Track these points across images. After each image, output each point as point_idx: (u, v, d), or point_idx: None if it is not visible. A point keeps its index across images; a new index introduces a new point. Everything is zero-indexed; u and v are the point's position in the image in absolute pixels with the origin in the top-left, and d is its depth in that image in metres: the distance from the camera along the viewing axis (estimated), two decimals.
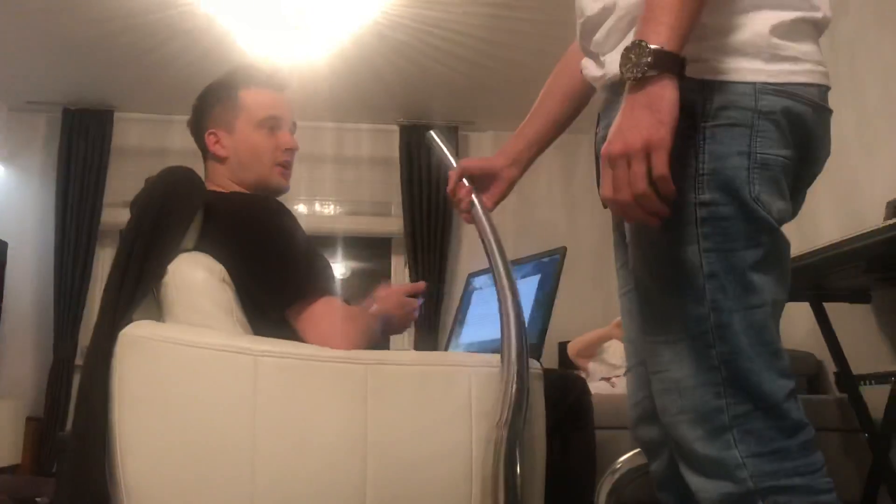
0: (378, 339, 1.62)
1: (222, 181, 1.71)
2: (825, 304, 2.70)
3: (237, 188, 1.69)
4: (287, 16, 3.91)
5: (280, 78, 1.79)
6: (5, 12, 3.98)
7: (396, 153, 5.33)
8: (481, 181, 1.46)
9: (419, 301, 1.74)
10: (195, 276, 1.47)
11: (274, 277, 1.50)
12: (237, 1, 3.84)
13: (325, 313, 1.45)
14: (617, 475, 1.21)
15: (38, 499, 3.81)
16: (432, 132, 1.52)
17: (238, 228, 1.55)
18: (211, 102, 1.75)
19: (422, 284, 1.78)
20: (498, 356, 1.49)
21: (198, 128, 1.77)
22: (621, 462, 1.27)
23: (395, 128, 5.36)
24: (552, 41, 4.23)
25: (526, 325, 1.67)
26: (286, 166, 1.73)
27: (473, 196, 1.42)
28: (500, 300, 1.33)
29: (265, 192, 1.69)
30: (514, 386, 1.32)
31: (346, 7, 3.90)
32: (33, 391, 4.89)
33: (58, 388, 4.78)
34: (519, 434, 1.30)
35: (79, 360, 4.82)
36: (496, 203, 1.48)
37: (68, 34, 4.21)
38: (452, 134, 5.38)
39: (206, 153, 1.76)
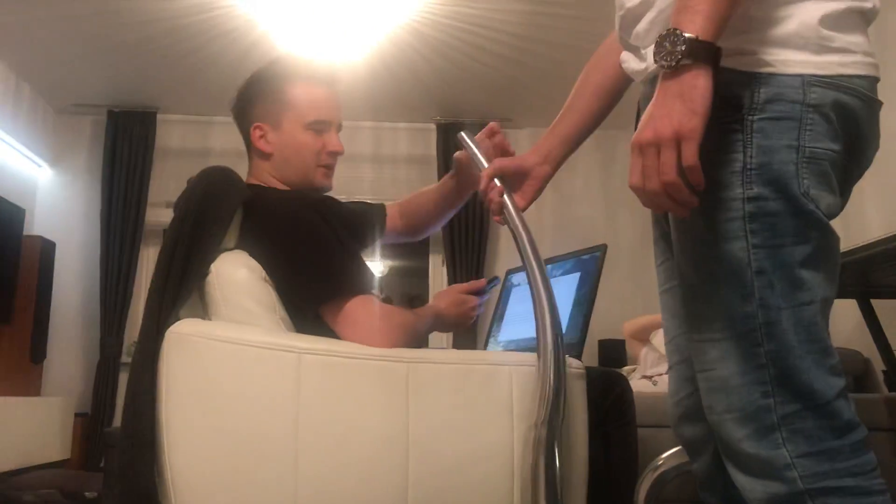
0: (423, 337, 1.61)
1: (264, 177, 1.70)
2: (872, 301, 2.65)
3: (278, 184, 1.69)
4: (325, 16, 3.94)
5: (330, 74, 1.76)
6: (51, 18, 4.07)
7: (434, 151, 5.34)
8: (514, 180, 1.45)
9: (479, 299, 1.71)
10: (237, 275, 1.49)
11: (308, 276, 1.50)
12: (276, 2, 3.87)
13: (359, 312, 1.45)
14: (657, 472, 1.20)
15: (86, 493, 3.89)
16: (463, 133, 1.51)
17: (273, 227, 1.55)
18: (258, 94, 1.72)
19: (482, 282, 1.76)
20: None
21: (242, 118, 1.74)
22: (662, 459, 1.25)
23: (433, 126, 5.37)
24: (589, 37, 4.20)
25: (565, 322, 1.67)
26: (330, 167, 1.72)
27: (505, 196, 1.41)
28: (534, 300, 1.32)
29: (307, 190, 1.69)
30: (552, 384, 1.32)
31: (383, 6, 3.92)
32: (81, 388, 4.99)
33: (105, 385, 4.88)
34: (557, 433, 1.30)
35: (125, 358, 4.92)
36: (530, 202, 1.47)
37: (112, 37, 4.29)
38: None
39: (249, 146, 1.74)
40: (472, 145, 1.48)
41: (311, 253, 1.51)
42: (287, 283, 1.51)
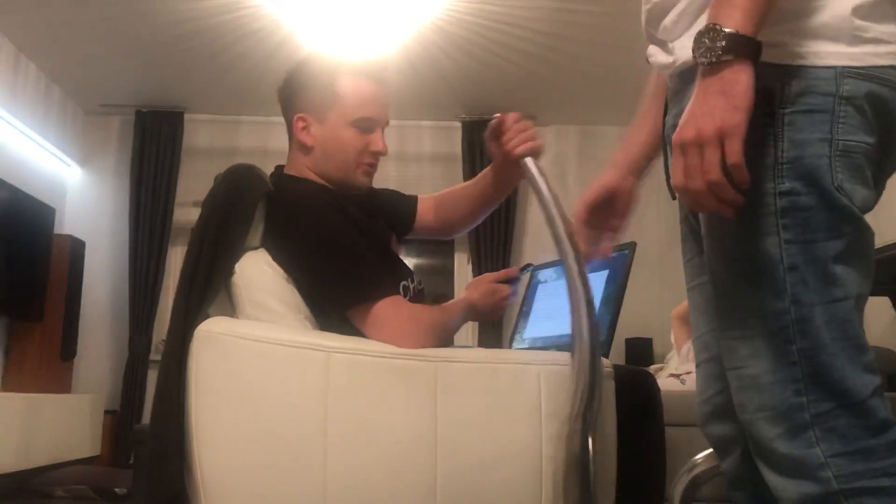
0: (454, 332, 1.59)
1: (302, 169, 1.66)
2: None
3: (315, 178, 1.65)
4: (351, 15, 3.95)
5: (382, 70, 1.68)
6: (80, 20, 4.12)
7: (458, 149, 5.34)
8: (605, 204, 1.42)
9: (511, 289, 1.67)
10: (261, 276, 1.49)
11: (333, 281, 1.49)
12: (302, 1, 3.89)
13: (387, 315, 1.43)
14: (693, 474, 1.18)
15: (116, 489, 3.94)
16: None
17: (295, 231, 1.53)
18: (305, 83, 1.65)
19: (514, 270, 1.72)
20: (567, 354, 1.48)
21: (287, 105, 1.69)
22: (700, 459, 1.23)
23: (458, 124, 5.37)
24: (614, 34, 4.19)
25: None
26: (371, 166, 1.67)
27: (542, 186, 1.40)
28: (570, 293, 1.30)
29: (344, 187, 1.65)
30: (587, 377, 1.30)
31: (408, 5, 3.92)
32: (111, 385, 5.05)
33: (134, 383, 4.93)
34: (591, 426, 1.29)
35: (153, 356, 4.98)
36: (625, 218, 1.45)
37: (140, 38, 4.33)
38: None
39: (291, 135, 1.69)
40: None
41: (336, 258, 1.49)
42: (312, 288, 1.50)
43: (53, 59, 4.61)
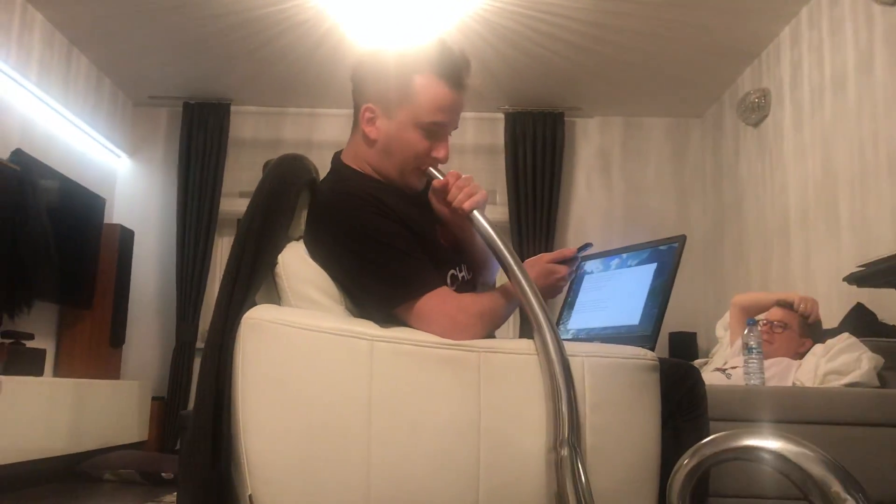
0: (507, 317, 1.56)
1: (358, 159, 1.63)
2: None
3: (369, 170, 1.62)
4: (394, 6, 3.96)
5: (464, 73, 1.58)
6: (129, 13, 4.19)
7: (501, 140, 5.33)
8: None
9: (568, 269, 1.62)
10: (303, 267, 1.49)
11: (376, 283, 1.47)
12: None
13: (434, 308, 1.43)
14: (695, 460, 1.16)
15: (163, 474, 4.01)
16: (475, 212, 1.49)
17: (327, 231, 1.51)
18: (380, 73, 1.57)
19: (571, 250, 1.65)
20: (613, 346, 1.47)
21: (359, 92, 1.61)
22: (701, 445, 1.22)
23: (500, 115, 5.35)
24: (659, 22, 4.14)
25: (639, 313, 1.65)
26: (426, 170, 1.61)
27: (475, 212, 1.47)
28: (535, 326, 1.37)
29: (398, 184, 1.61)
30: (564, 400, 1.31)
31: None
32: (158, 372, 5.16)
33: (180, 370, 5.03)
34: (580, 452, 1.30)
35: (199, 344, 5.05)
36: None
37: (187, 30, 4.39)
38: (559, 120, 5.32)
39: (356, 122, 1.62)
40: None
41: (376, 257, 1.47)
42: (355, 289, 1.50)
43: (104, 51, 4.70)
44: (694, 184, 5.47)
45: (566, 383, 1.33)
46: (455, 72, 1.56)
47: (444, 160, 1.60)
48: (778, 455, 1.09)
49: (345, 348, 1.33)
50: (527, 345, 1.40)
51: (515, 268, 1.43)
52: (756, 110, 4.49)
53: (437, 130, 1.56)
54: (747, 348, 2.52)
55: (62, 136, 4.60)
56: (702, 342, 4.87)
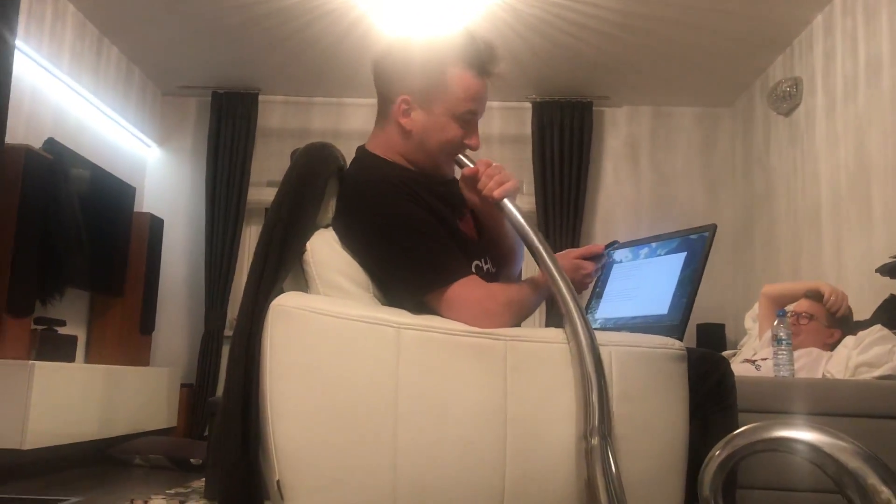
0: (535, 308, 1.56)
1: (390, 150, 1.63)
2: None
3: (400, 160, 1.63)
4: None
5: (493, 63, 1.61)
6: (158, 3, 4.22)
7: (529, 130, 5.30)
8: None
9: (595, 265, 1.65)
10: (330, 255, 1.50)
11: (403, 270, 1.48)
12: None
13: (463, 296, 1.43)
14: (727, 451, 1.15)
15: (192, 459, 4.07)
16: (505, 200, 1.50)
17: (358, 219, 1.52)
18: (415, 66, 1.58)
19: (599, 246, 1.68)
20: (639, 335, 1.47)
21: (389, 84, 1.62)
22: (734, 436, 1.20)
23: (528, 105, 5.33)
24: (689, 10, 4.09)
25: (668, 303, 1.64)
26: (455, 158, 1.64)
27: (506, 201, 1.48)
28: (567, 316, 1.36)
29: (433, 173, 1.63)
30: (595, 388, 1.31)
31: None
32: (187, 359, 5.22)
33: (208, 357, 5.08)
34: (610, 442, 1.30)
35: (228, 331, 5.10)
36: None
37: (216, 21, 4.41)
38: (587, 109, 5.29)
39: (386, 114, 1.63)
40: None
41: (406, 245, 1.48)
42: (385, 276, 1.51)
43: (134, 41, 4.75)
44: (723, 174, 5.42)
45: (597, 372, 1.32)
46: (484, 61, 1.59)
47: (476, 148, 1.63)
48: (813, 447, 1.08)
49: (372, 335, 1.34)
50: (553, 334, 1.40)
51: (546, 257, 1.43)
52: (787, 99, 4.43)
53: (469, 119, 1.60)
54: (777, 339, 2.50)
55: (93, 125, 4.65)
56: (730, 333, 4.83)
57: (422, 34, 1.63)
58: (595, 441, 1.30)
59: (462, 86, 1.57)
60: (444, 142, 1.59)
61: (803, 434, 1.09)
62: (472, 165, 1.56)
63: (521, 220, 1.47)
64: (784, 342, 2.48)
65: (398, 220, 1.49)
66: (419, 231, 1.49)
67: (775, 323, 2.51)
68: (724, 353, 3.36)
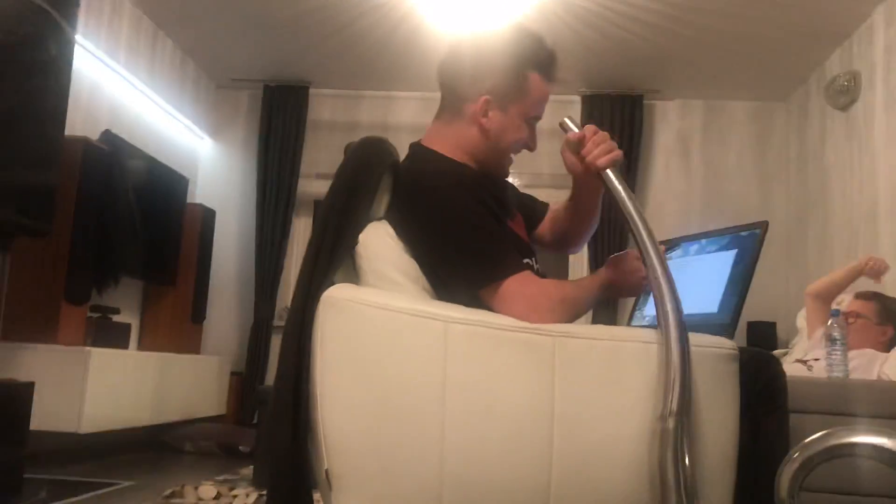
0: (589, 307, 1.57)
1: (452, 146, 1.64)
2: None
3: (464, 156, 1.64)
4: None
5: (559, 69, 1.66)
6: None
7: (579, 124, 5.25)
8: None
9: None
10: (382, 247, 1.51)
11: (463, 262, 1.49)
12: None
13: (517, 291, 1.43)
14: (804, 457, 1.13)
15: (241, 447, 4.14)
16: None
17: (420, 210, 1.53)
18: (498, 67, 1.60)
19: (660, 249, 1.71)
20: (690, 334, 1.45)
21: (465, 82, 1.63)
22: (809, 441, 1.18)
23: (577, 98, 5.29)
24: (743, 2, 4.01)
25: (718, 301, 1.62)
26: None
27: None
28: (655, 292, 1.34)
29: (495, 171, 1.68)
30: (678, 370, 1.29)
31: None
32: (237, 348, 5.30)
33: (258, 346, 5.16)
34: (687, 425, 1.28)
35: (277, 322, 5.17)
36: None
37: (268, 14, 4.47)
38: (637, 103, 5.23)
39: (459, 112, 1.64)
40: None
41: (464, 237, 1.50)
42: (441, 268, 1.51)
43: (188, 34, 4.83)
44: (777, 169, 5.32)
45: (682, 356, 1.31)
46: (554, 70, 1.65)
47: (535, 149, 1.68)
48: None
49: (420, 329, 1.35)
50: (602, 331, 1.39)
51: (645, 234, 1.42)
52: (845, 94, 4.32)
53: (535, 122, 1.66)
54: (830, 339, 2.45)
55: (148, 117, 4.75)
56: (781, 333, 4.75)
57: (487, 33, 1.67)
58: (670, 424, 1.28)
59: (538, 91, 1.62)
60: (514, 143, 1.64)
61: (885, 441, 1.07)
62: (576, 130, 1.56)
63: (623, 194, 1.46)
64: (838, 342, 2.44)
65: (459, 213, 1.51)
66: (478, 226, 1.50)
67: (829, 322, 2.46)
68: (776, 353, 3.30)
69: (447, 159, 1.64)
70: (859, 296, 2.87)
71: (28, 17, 2.82)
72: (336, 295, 1.39)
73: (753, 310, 4.55)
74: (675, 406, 1.29)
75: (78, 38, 3.50)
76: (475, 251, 1.49)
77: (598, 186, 1.62)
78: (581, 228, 1.81)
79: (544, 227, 1.89)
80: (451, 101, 1.66)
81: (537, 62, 1.61)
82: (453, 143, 1.65)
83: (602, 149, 1.52)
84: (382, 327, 1.36)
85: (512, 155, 1.68)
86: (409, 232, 1.53)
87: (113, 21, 4.23)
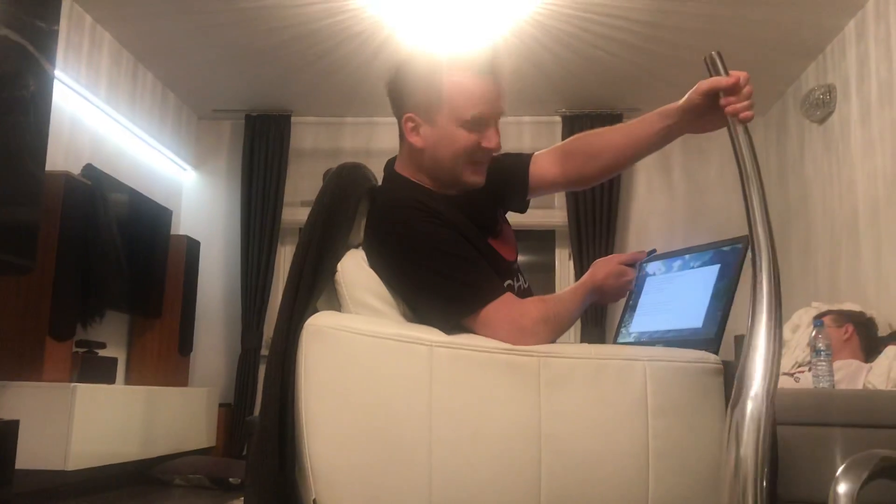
0: (574, 319, 1.56)
1: (411, 168, 1.64)
2: None
3: (423, 178, 1.63)
4: (449, 12, 3.98)
5: (491, 61, 1.58)
6: (191, 29, 4.31)
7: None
8: None
9: (636, 272, 1.64)
10: (360, 274, 1.51)
11: (437, 296, 1.47)
12: (401, 1, 3.94)
13: (499, 315, 1.42)
14: (856, 472, 1.12)
15: (231, 479, 4.10)
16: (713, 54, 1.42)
17: (386, 246, 1.52)
18: (412, 82, 1.59)
19: (642, 254, 1.68)
20: (674, 350, 1.46)
21: (396, 105, 1.63)
22: (861, 457, 1.17)
23: (558, 118, 5.33)
24: (716, 20, 4.07)
25: (702, 316, 1.62)
26: (482, 163, 1.61)
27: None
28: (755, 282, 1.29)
29: (455, 187, 1.62)
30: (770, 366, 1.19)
31: (506, 1, 3.92)
32: (224, 379, 5.27)
33: (245, 377, 5.13)
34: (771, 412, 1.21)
35: (264, 351, 5.14)
36: None
37: (248, 45, 4.49)
38: (617, 121, 5.27)
39: (401, 135, 1.64)
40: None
41: (435, 270, 1.46)
42: (417, 303, 1.50)
43: (169, 66, 4.84)
44: None
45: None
46: (481, 61, 1.57)
47: (497, 148, 1.60)
48: None
49: (404, 354, 1.35)
50: (586, 349, 1.40)
51: (757, 199, 1.37)
52: (821, 106, 4.38)
53: (481, 122, 1.56)
54: (815, 350, 2.47)
55: (130, 150, 4.74)
56: None
57: (425, 51, 1.62)
58: None
59: (461, 92, 1.54)
60: (455, 152, 1.57)
61: None
62: (724, 73, 1.47)
63: (745, 152, 1.39)
64: (823, 353, 2.45)
65: (425, 244, 1.48)
66: (447, 253, 1.48)
67: (813, 334, 2.47)
68: None
69: (409, 184, 1.63)
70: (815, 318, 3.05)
71: (5, 53, 2.82)
72: (318, 323, 1.39)
73: (740, 323, 4.57)
74: None
75: (57, 72, 3.50)
76: (450, 284, 1.46)
77: (705, 128, 1.58)
78: (627, 163, 1.76)
79: (547, 172, 1.80)
80: (398, 125, 1.65)
81: (457, 63, 1.55)
82: (408, 166, 1.65)
83: (750, 102, 1.45)
84: (366, 354, 1.35)
85: (478, 161, 1.60)
86: (379, 264, 1.52)
87: (92, 55, 4.24)
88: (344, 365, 1.36)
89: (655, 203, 5.40)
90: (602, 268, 1.61)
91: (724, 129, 1.49)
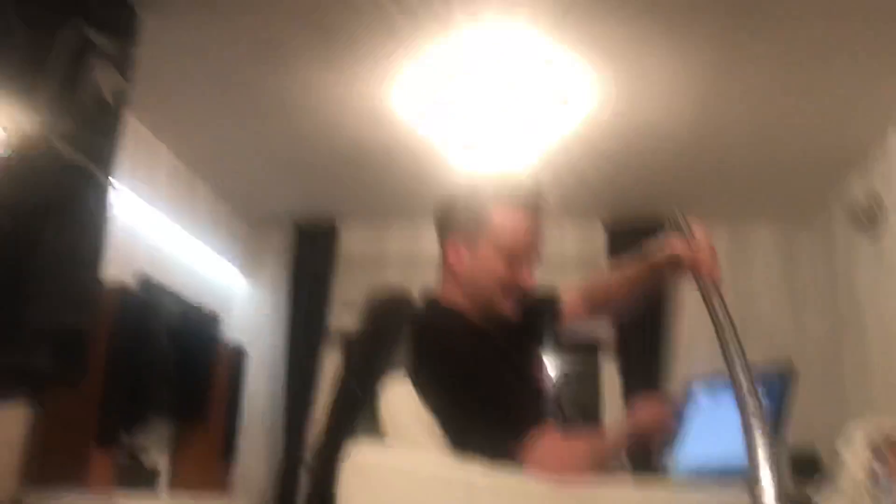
0: (612, 460, 1.54)
1: (451, 293, 1.68)
2: None
3: (463, 302, 1.66)
4: (494, 128, 4.08)
5: (534, 196, 1.67)
6: (245, 142, 4.47)
7: (602, 254, 5.29)
8: None
9: (676, 421, 1.64)
10: (402, 402, 1.52)
11: (476, 432, 1.47)
12: (445, 116, 4.05)
13: (538, 451, 1.42)
14: None
15: None
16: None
17: (428, 375, 1.53)
18: (458, 209, 1.68)
19: (681, 400, 1.70)
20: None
21: (441, 229, 1.73)
22: None
23: (600, 226, 5.34)
24: (763, 128, 4.09)
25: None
26: (518, 299, 1.67)
27: None
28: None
29: (490, 313, 1.66)
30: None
31: (549, 117, 4.01)
32: (266, 489, 5.19)
33: (288, 487, 5.04)
34: None
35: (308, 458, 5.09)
36: None
37: (296, 155, 4.64)
38: (661, 232, 5.26)
39: (444, 259, 1.72)
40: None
41: (475, 408, 1.48)
42: (459, 433, 1.50)
43: (221, 177, 5.00)
44: (806, 295, 5.26)
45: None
46: (524, 195, 1.65)
47: (529, 287, 1.65)
48: None
49: (444, 493, 1.33)
50: (633, 493, 1.36)
51: (735, 350, 1.45)
52: (869, 217, 4.33)
53: (518, 256, 1.62)
54: (872, 475, 2.36)
55: (183, 259, 4.86)
56: (826, 459, 4.57)
57: (471, 178, 1.73)
58: None
59: (504, 223, 1.61)
60: (491, 280, 1.62)
61: None
62: (690, 229, 1.65)
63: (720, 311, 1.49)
64: (881, 477, 2.34)
65: (463, 380, 1.50)
66: (485, 387, 1.49)
67: (869, 459, 2.37)
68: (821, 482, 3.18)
69: (448, 313, 1.66)
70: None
71: (66, 174, 2.93)
72: (360, 461, 1.38)
73: (794, 440, 4.41)
74: None
75: (115, 184, 3.64)
76: (487, 420, 1.47)
77: (667, 281, 1.73)
78: (635, 302, 1.84)
79: (574, 314, 1.88)
80: (440, 250, 1.72)
81: (500, 192, 1.63)
82: (447, 293, 1.69)
83: (716, 262, 1.60)
84: (407, 492, 1.34)
85: (511, 298, 1.64)
86: (422, 394, 1.53)
87: (151, 168, 4.41)
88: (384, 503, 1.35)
89: (704, 319, 5.29)
90: (642, 408, 1.59)
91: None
